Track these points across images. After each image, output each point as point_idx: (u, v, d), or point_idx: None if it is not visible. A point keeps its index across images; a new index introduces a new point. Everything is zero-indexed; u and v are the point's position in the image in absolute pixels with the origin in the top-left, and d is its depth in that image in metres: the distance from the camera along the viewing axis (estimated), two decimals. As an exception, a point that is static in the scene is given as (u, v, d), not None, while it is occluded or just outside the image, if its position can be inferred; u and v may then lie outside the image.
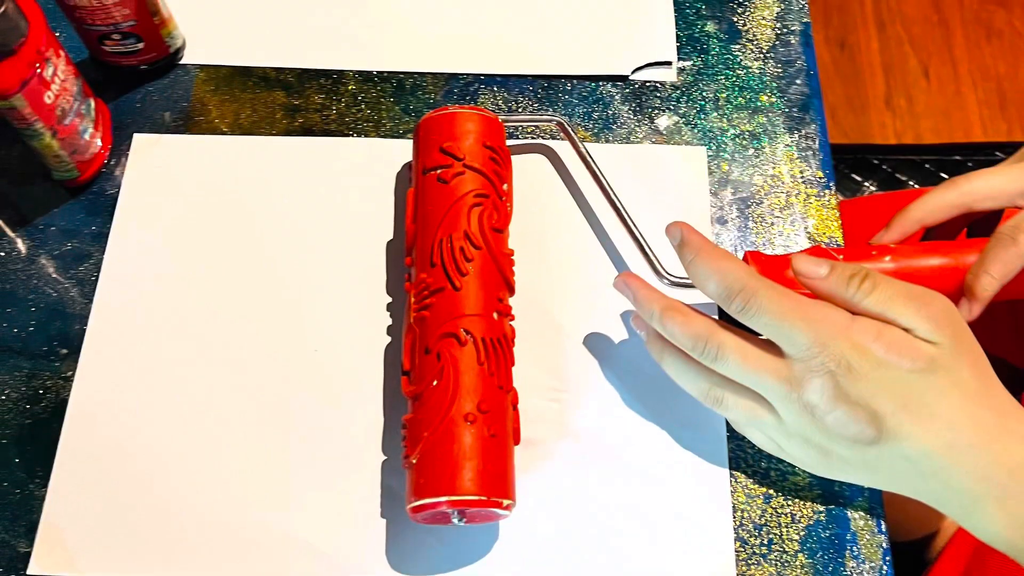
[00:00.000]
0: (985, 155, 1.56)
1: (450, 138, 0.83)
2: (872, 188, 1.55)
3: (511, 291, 0.82)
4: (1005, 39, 2.32)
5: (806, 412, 0.71)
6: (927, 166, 1.55)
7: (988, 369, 0.72)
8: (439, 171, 0.82)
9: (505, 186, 0.85)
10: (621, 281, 0.80)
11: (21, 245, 0.89)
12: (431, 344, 0.77)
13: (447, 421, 0.73)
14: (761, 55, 0.99)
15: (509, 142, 0.92)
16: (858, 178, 1.56)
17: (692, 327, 0.75)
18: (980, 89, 2.26)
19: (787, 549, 0.80)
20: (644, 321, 0.80)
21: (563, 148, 0.93)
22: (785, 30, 1.00)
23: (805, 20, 1.01)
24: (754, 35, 1.00)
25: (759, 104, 0.96)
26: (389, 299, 0.87)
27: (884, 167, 1.56)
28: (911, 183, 1.54)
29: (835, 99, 2.24)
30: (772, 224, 0.91)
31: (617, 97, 0.96)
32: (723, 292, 0.74)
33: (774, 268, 0.80)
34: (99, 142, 0.90)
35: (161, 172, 0.92)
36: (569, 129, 0.90)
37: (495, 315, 0.78)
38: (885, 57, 2.29)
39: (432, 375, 0.76)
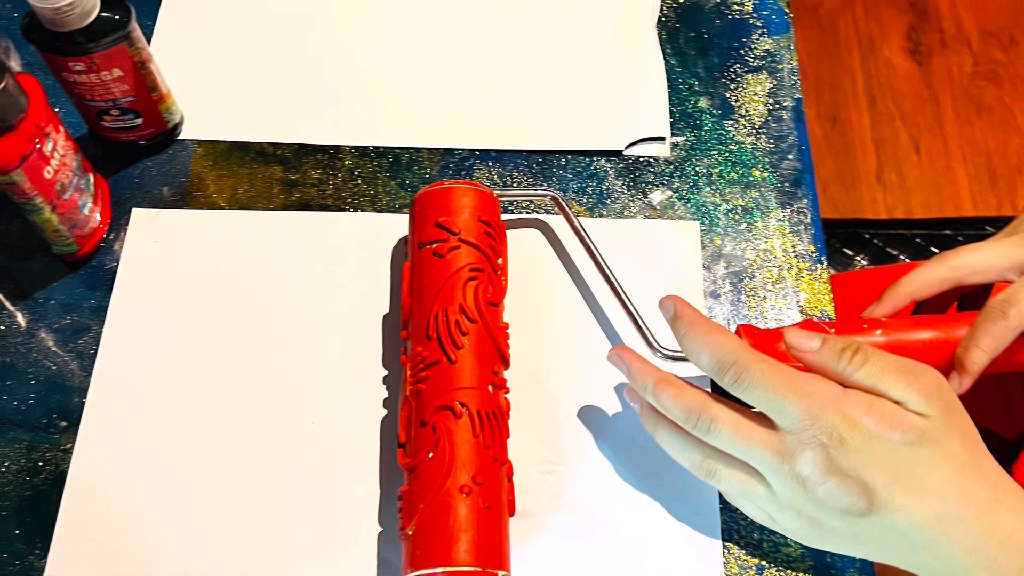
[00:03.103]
0: (975, 229, 1.57)
1: (445, 213, 0.84)
2: (863, 262, 1.56)
3: (506, 364, 0.82)
4: (995, 115, 2.33)
5: (798, 484, 0.72)
6: (918, 240, 1.56)
7: (978, 441, 0.73)
8: (435, 245, 0.83)
9: (500, 260, 0.85)
10: (615, 354, 0.81)
11: (21, 319, 0.90)
12: (427, 417, 0.77)
13: (443, 493, 0.74)
14: (753, 131, 1.00)
15: (504, 216, 0.93)
16: (849, 252, 1.57)
17: (685, 400, 0.75)
18: (970, 164, 2.27)
19: (781, 621, 0.80)
20: (638, 394, 0.80)
21: (557, 222, 0.94)
22: (777, 106, 1.01)
23: (797, 96, 1.02)
24: (746, 111, 1.01)
25: (751, 179, 0.97)
26: (385, 372, 0.87)
27: (875, 241, 1.57)
28: (902, 257, 1.55)
29: (827, 174, 2.25)
30: (764, 298, 0.91)
31: (611, 172, 0.97)
32: (716, 365, 0.75)
33: (766, 341, 0.81)
34: (98, 216, 0.91)
35: (159, 246, 0.93)
36: (563, 204, 0.90)
37: (490, 388, 0.79)
38: (876, 132, 2.31)
39: (428, 447, 0.76)
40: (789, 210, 0.96)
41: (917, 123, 2.32)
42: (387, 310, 0.90)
